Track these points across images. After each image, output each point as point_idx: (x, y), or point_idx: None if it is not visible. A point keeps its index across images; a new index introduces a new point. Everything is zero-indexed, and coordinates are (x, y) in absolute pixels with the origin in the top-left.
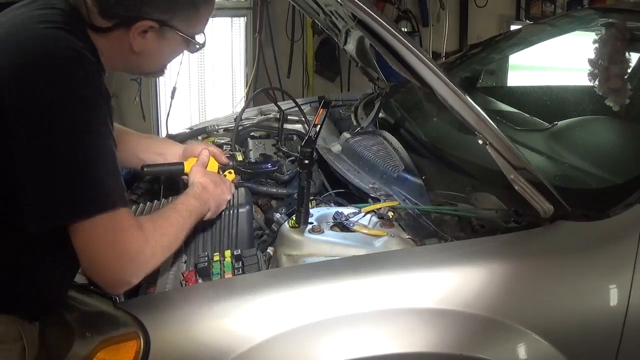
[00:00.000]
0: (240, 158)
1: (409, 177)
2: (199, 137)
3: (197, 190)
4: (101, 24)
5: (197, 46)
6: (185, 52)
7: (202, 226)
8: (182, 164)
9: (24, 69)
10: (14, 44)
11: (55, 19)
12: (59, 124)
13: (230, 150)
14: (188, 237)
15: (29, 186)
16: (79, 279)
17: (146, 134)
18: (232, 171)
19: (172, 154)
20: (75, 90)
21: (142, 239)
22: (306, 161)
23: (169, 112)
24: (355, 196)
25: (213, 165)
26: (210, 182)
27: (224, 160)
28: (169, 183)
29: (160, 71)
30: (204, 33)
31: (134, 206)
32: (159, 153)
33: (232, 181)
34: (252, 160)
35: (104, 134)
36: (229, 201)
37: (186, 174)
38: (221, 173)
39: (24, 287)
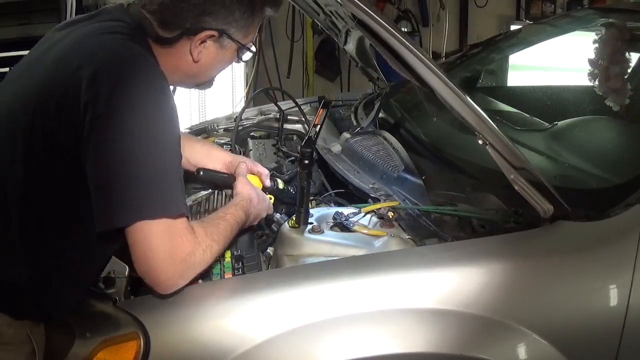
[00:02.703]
0: (281, 186)
1: (409, 177)
2: (199, 137)
3: (245, 203)
4: (165, 35)
5: (249, 53)
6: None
7: None
8: (234, 177)
9: (102, 72)
10: (88, 48)
11: (123, 30)
12: (133, 127)
13: (230, 149)
14: None
15: (100, 184)
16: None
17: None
18: (273, 197)
19: (217, 157)
20: (150, 96)
21: (194, 243)
22: (306, 161)
23: None
24: (355, 196)
25: (257, 183)
26: (256, 197)
27: (268, 183)
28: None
29: (211, 82)
30: (253, 42)
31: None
32: (205, 155)
33: None
34: (291, 190)
35: (174, 140)
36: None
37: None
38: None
39: (39, 295)
